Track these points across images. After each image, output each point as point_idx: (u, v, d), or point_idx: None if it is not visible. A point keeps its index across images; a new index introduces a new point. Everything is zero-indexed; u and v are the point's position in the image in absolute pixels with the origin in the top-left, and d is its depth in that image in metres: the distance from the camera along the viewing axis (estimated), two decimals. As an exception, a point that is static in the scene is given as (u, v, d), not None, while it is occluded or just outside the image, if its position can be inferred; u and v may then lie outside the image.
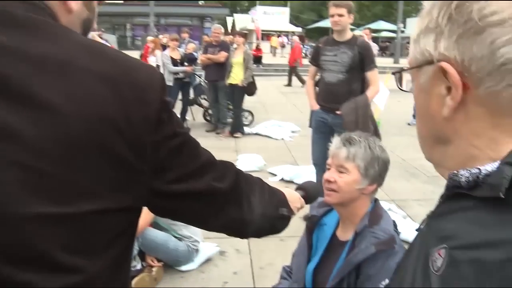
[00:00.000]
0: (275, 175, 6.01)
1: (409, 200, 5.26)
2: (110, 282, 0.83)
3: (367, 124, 4.05)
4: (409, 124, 9.63)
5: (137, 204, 0.85)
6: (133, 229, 0.89)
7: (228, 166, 1.04)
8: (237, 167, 1.08)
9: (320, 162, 4.45)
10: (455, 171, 0.64)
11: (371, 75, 4.17)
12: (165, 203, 0.91)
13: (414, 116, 9.16)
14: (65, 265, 0.75)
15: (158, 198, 0.88)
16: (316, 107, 4.40)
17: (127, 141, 0.77)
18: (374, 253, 1.63)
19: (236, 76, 8.13)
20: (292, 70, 17.34)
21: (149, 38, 12.64)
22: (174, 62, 8.73)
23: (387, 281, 1.59)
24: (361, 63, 4.13)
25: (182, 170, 0.88)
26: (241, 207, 1.05)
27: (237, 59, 8.12)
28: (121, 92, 0.76)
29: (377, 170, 1.77)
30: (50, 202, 0.71)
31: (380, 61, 18.38)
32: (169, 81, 8.24)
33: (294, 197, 1.33)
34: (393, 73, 0.81)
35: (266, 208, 1.14)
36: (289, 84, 17.18)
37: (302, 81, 16.39)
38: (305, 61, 7.11)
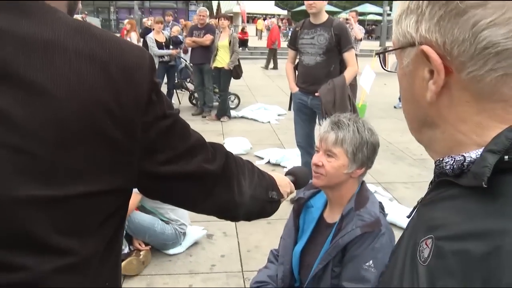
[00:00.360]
0: (262, 158, 6.02)
1: (396, 182, 5.31)
2: (102, 263, 0.83)
3: (345, 104, 4.08)
4: (395, 107, 9.66)
5: (128, 186, 0.85)
6: (124, 211, 0.89)
7: (218, 148, 1.03)
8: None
9: (304, 144, 4.49)
10: (440, 158, 0.63)
11: (348, 56, 4.20)
12: (155, 184, 0.91)
13: (400, 99, 9.19)
14: (58, 247, 0.75)
15: (149, 180, 0.88)
16: (296, 89, 4.44)
17: (118, 123, 0.76)
18: (360, 235, 1.64)
19: (222, 60, 8.08)
20: (271, 52, 17.43)
21: (126, 20, 12.39)
22: (159, 45, 8.66)
23: (371, 262, 1.61)
24: (338, 44, 4.16)
25: (172, 151, 0.88)
26: (231, 189, 1.05)
27: (223, 42, 8.05)
28: (111, 74, 0.76)
29: (365, 154, 1.75)
30: (42, 184, 0.71)
31: (367, 44, 18.39)
32: (155, 64, 8.16)
33: (284, 182, 1.34)
34: (377, 54, 0.78)
35: (256, 190, 1.15)
36: (275, 67, 17.15)
37: (267, 65, 17.06)
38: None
